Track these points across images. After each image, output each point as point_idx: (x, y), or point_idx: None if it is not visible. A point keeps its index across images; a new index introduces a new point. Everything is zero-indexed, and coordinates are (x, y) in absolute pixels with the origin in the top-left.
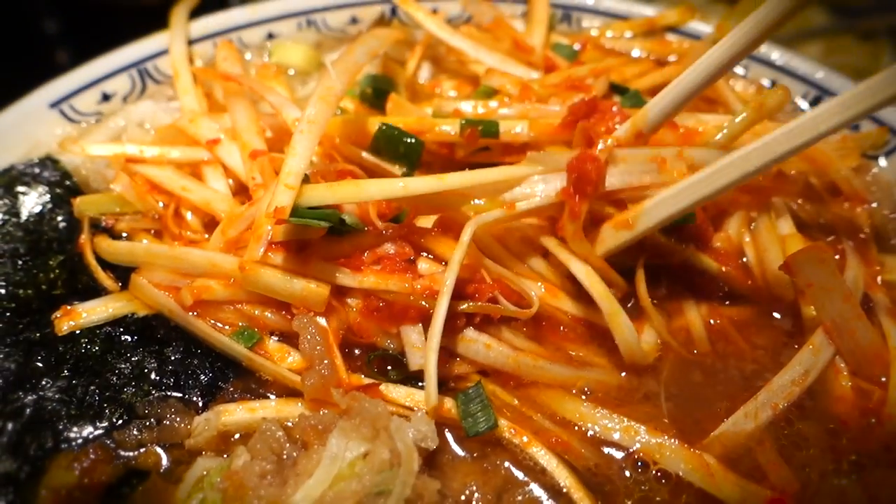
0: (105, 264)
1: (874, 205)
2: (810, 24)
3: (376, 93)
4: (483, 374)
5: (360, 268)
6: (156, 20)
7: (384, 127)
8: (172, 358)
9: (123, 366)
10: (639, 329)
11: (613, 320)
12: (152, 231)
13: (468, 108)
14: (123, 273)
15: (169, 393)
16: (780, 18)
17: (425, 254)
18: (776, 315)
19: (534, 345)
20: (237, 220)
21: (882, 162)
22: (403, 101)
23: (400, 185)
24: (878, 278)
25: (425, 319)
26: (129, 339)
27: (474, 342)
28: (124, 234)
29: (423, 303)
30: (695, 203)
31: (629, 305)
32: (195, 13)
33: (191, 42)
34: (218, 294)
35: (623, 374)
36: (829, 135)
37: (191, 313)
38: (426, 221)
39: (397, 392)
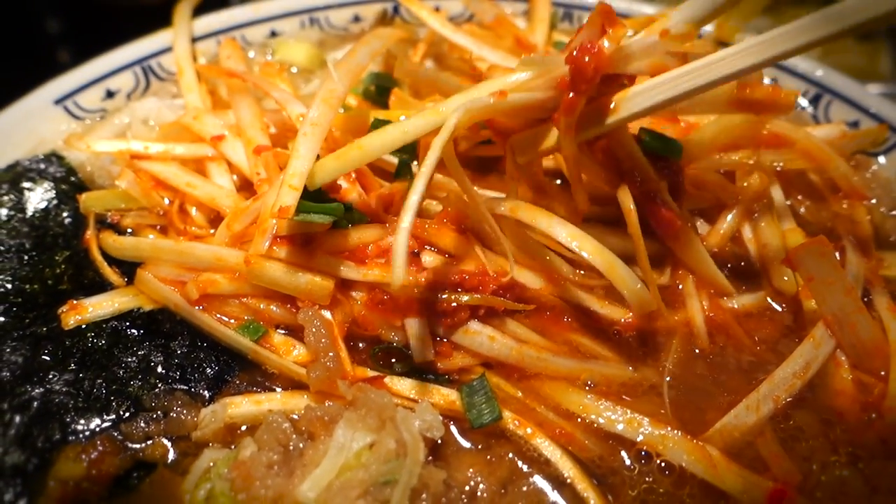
0: (111, 260)
1: (873, 201)
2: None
3: (379, 90)
4: (487, 367)
5: (364, 261)
6: (157, 20)
7: (377, 122)
8: (178, 351)
9: (130, 359)
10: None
11: (612, 273)
12: (158, 227)
13: None
14: (129, 268)
15: (175, 386)
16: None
17: (429, 247)
18: (778, 308)
19: (538, 336)
20: (242, 214)
21: (881, 159)
22: (406, 97)
23: (400, 132)
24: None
25: (430, 312)
26: (135, 332)
27: (478, 334)
28: (130, 230)
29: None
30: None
31: None
32: (198, 11)
33: (194, 40)
34: (223, 288)
35: (630, 368)
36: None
37: (196, 307)
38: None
39: (402, 384)
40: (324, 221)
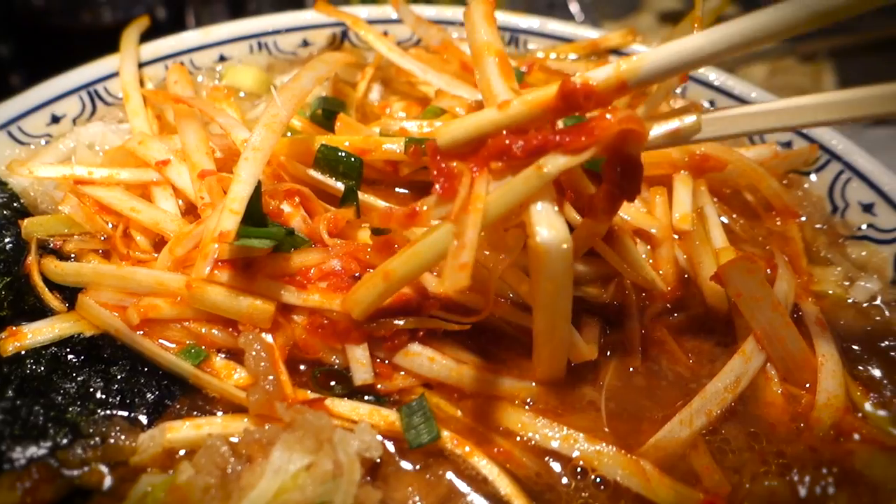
0: (53, 285)
1: (804, 219)
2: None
3: (326, 114)
4: (428, 387)
5: (305, 285)
6: (112, 42)
7: (323, 147)
8: (119, 377)
9: (69, 385)
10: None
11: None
12: (101, 252)
13: (413, 127)
14: (71, 294)
15: (114, 411)
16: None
17: (371, 270)
18: (712, 324)
19: (477, 357)
20: (184, 239)
21: (813, 177)
22: (352, 121)
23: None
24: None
25: (370, 338)
26: (75, 358)
27: (418, 356)
28: (72, 256)
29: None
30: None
31: None
32: (150, 35)
33: (142, 64)
34: (165, 312)
35: (566, 384)
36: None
37: (138, 332)
38: (370, 238)
39: (342, 406)
40: (264, 246)
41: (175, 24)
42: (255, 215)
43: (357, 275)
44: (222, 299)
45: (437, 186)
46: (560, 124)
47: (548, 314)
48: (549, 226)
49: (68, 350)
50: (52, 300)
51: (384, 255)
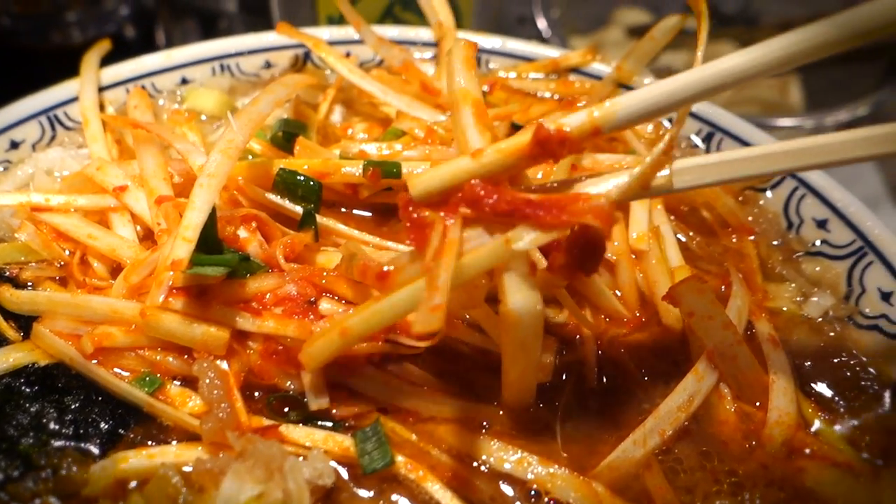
0: (8, 314)
1: (760, 235)
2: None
3: (286, 136)
4: (384, 412)
5: (261, 311)
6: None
7: (282, 171)
8: (72, 406)
9: (22, 417)
10: None
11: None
12: (58, 279)
13: (373, 150)
14: (27, 322)
15: (67, 442)
16: (814, 52)
17: (328, 294)
18: (667, 343)
19: (433, 378)
20: (140, 266)
21: (769, 194)
22: (311, 144)
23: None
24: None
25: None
26: (28, 389)
27: (373, 380)
28: (29, 284)
29: None
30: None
31: None
32: (120, 54)
33: (103, 88)
34: (119, 341)
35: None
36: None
37: (92, 361)
38: (328, 262)
39: (297, 432)
40: (217, 274)
41: (145, 43)
42: (210, 242)
43: (313, 300)
44: (176, 327)
45: (408, 241)
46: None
47: (517, 355)
48: (521, 294)
49: (22, 380)
50: (7, 329)
51: (342, 280)
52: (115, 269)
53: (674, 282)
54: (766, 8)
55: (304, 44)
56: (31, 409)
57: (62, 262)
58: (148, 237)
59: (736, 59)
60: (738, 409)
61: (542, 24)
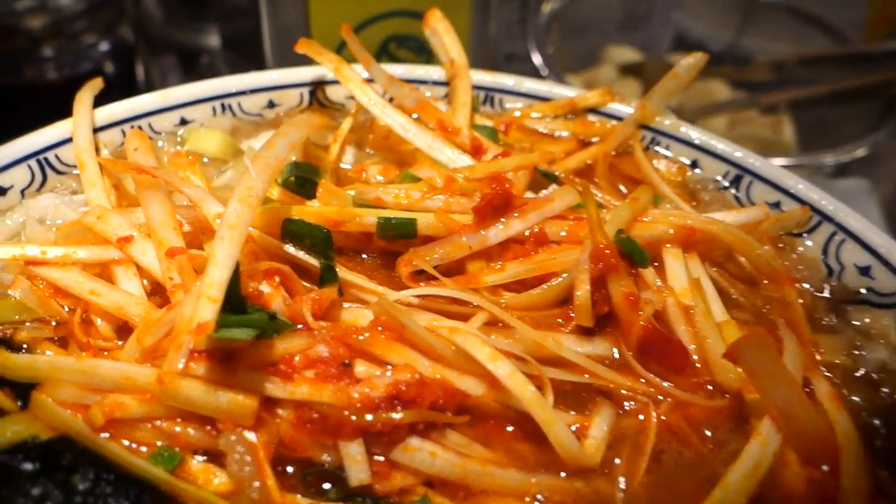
0: (2, 381)
1: (807, 286)
2: (714, 99)
3: (299, 181)
4: (430, 486)
5: (291, 375)
6: (57, 100)
7: (288, 222)
8: (80, 487)
9: (22, 501)
10: (584, 424)
11: (549, 430)
12: (57, 340)
13: (390, 197)
14: (24, 390)
15: None
16: None
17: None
18: (722, 403)
19: (482, 448)
20: (154, 326)
21: (807, 240)
22: (334, 188)
23: None
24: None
25: (364, 429)
26: (29, 467)
27: (418, 451)
28: (25, 346)
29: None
30: None
31: None
32: (99, 92)
33: (97, 129)
34: (133, 411)
35: (578, 476)
36: None
37: (102, 434)
38: (363, 320)
39: None
40: (247, 337)
41: (125, 79)
42: (235, 300)
43: (347, 362)
44: (199, 395)
45: None
46: None
47: None
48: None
49: (21, 457)
50: (3, 399)
51: (376, 338)
52: (121, 329)
53: (723, 338)
54: (756, 46)
55: (311, 82)
56: (34, 492)
57: (62, 321)
58: (156, 292)
59: None
60: (807, 476)
61: (537, 60)
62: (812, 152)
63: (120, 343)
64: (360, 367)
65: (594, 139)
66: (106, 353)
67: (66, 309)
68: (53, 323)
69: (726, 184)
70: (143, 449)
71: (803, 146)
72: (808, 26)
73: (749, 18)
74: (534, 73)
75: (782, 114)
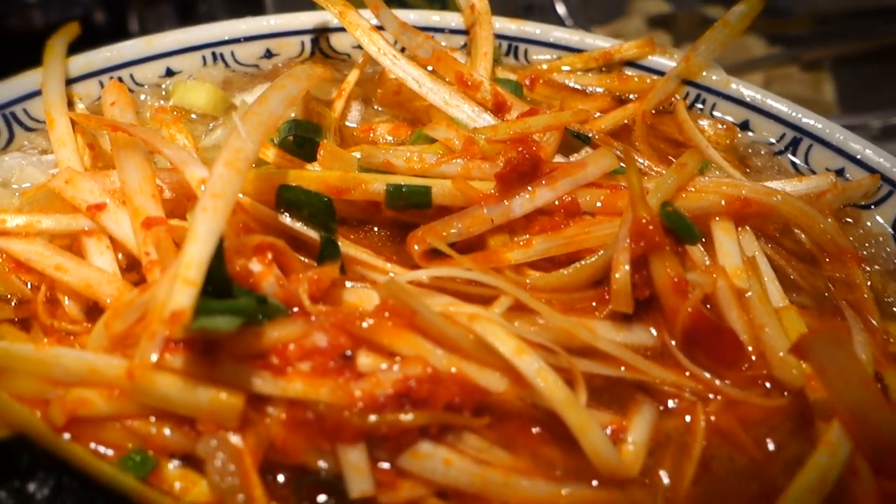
0: None
1: (877, 268)
2: (749, 55)
3: (298, 141)
4: (443, 497)
5: (283, 368)
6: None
7: (284, 189)
8: (38, 496)
9: None
10: (621, 426)
11: (584, 437)
12: (17, 321)
13: (401, 162)
14: None
15: None
16: None
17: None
18: (781, 403)
19: (504, 453)
20: (125, 310)
21: (875, 214)
22: (338, 150)
23: None
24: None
25: (368, 436)
26: None
27: (430, 457)
28: None
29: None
30: None
31: None
32: (87, 43)
33: (72, 80)
34: (99, 409)
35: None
36: None
37: (64, 435)
38: (368, 303)
39: None
40: (230, 327)
41: (116, 30)
42: (218, 282)
43: (349, 353)
44: (175, 391)
45: None
46: None
47: None
48: None
49: None
50: None
51: (383, 324)
52: (91, 310)
53: (784, 327)
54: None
55: (313, 29)
56: None
57: (24, 300)
58: (132, 268)
59: None
60: (880, 490)
61: (561, 9)
62: (856, 113)
63: (89, 326)
64: (364, 360)
65: (632, 96)
66: (73, 337)
67: (29, 286)
68: (14, 302)
69: (781, 148)
70: (111, 452)
71: (844, 107)
72: None
73: None
74: (561, 23)
75: (824, 71)
